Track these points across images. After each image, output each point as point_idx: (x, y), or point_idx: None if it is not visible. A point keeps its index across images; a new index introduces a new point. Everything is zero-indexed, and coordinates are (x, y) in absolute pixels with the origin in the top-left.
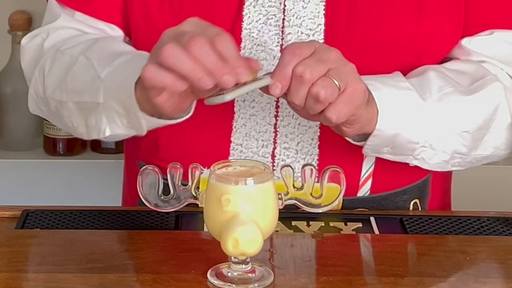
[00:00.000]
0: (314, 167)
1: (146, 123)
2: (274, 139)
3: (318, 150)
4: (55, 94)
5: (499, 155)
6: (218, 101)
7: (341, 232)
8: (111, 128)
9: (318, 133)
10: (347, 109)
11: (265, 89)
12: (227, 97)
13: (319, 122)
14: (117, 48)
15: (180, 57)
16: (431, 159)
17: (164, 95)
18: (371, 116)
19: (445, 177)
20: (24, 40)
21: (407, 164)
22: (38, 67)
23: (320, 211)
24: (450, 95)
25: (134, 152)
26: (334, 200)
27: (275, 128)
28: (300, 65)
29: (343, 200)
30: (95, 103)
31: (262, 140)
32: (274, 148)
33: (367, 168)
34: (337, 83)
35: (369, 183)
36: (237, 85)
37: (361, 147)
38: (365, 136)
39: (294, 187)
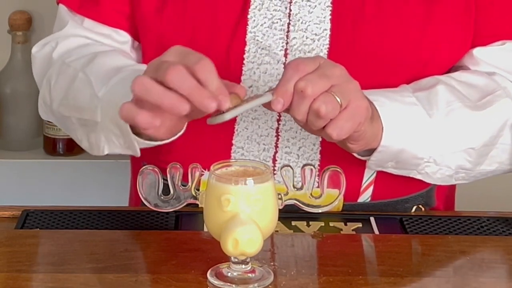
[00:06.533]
0: (314, 167)
1: (140, 145)
2: (276, 143)
3: (319, 156)
4: (60, 108)
5: (504, 170)
6: (218, 121)
7: (341, 232)
8: (110, 147)
9: (320, 139)
10: (349, 126)
11: (267, 105)
12: (227, 116)
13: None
14: (115, 64)
15: (149, 87)
16: (435, 174)
17: (151, 129)
18: (376, 132)
19: (450, 185)
20: (34, 49)
21: None
22: (46, 78)
23: (320, 211)
24: (458, 111)
25: None
26: (334, 201)
27: (277, 132)
28: (302, 80)
29: (343, 204)
30: (94, 121)
31: (264, 144)
32: (276, 152)
33: (369, 175)
34: (339, 99)
35: (370, 190)
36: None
37: None
38: (370, 151)
39: (294, 187)
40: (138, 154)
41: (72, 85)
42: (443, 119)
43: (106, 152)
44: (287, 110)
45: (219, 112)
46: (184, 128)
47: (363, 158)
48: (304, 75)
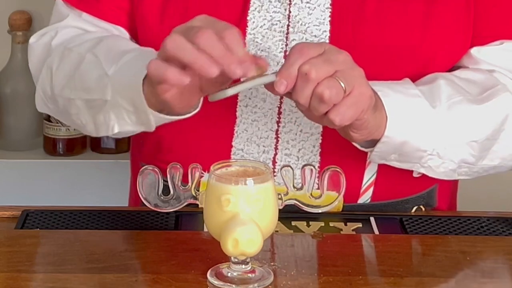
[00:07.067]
0: (314, 167)
1: (155, 119)
2: (276, 145)
3: (319, 158)
4: (63, 92)
5: (506, 166)
6: (221, 96)
7: (341, 232)
8: (120, 125)
9: (320, 141)
10: (351, 113)
11: (270, 87)
12: (229, 92)
13: (321, 129)
14: (124, 46)
15: (183, 46)
16: (438, 167)
17: (172, 91)
18: (380, 122)
19: (453, 187)
20: (32, 39)
21: (411, 174)
22: (46, 66)
23: (320, 211)
24: (460, 104)
25: (137, 154)
26: (334, 201)
27: (276, 134)
28: (306, 63)
29: (343, 205)
30: (103, 101)
31: (263, 146)
32: (275, 154)
33: (369, 176)
34: (343, 85)
35: (370, 191)
36: (241, 81)
37: (363, 154)
38: (373, 143)
39: (294, 187)
40: (153, 128)
41: (79, 67)
42: (446, 111)
43: (116, 131)
44: (289, 94)
45: (220, 88)
46: (199, 106)
47: (366, 150)
48: (308, 59)
